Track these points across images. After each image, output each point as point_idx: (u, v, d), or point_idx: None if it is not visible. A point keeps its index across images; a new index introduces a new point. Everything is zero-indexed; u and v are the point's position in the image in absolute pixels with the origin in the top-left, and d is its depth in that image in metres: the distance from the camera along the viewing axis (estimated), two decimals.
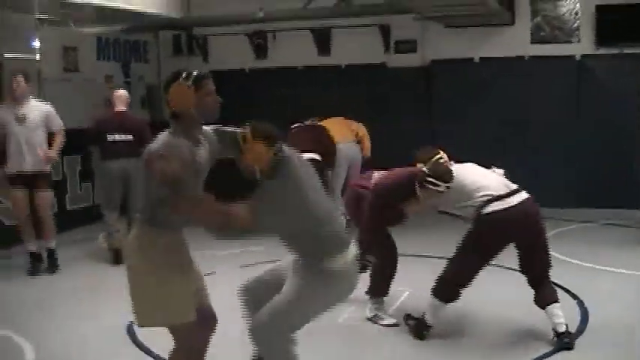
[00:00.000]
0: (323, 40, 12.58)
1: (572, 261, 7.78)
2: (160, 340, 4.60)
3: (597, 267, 7.86)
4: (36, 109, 8.24)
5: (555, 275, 5.84)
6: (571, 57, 11.26)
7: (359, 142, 10.21)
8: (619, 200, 10.53)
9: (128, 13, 10.32)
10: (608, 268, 7.76)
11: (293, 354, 4.20)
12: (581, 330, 5.88)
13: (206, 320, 4.19)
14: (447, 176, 5.61)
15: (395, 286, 6.42)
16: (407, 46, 12.09)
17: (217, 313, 4.32)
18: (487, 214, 5.53)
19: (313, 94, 11.38)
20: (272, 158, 4.06)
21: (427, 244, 8.63)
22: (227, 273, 7.34)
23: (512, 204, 5.53)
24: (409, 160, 6.01)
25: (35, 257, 8.39)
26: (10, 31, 9.71)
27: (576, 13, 11.25)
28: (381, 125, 11.22)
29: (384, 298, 6.36)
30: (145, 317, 4.06)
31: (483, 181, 5.69)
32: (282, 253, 4.48)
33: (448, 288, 5.74)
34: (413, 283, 6.98)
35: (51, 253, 8.46)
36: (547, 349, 5.51)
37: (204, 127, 4.12)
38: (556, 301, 5.61)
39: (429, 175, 5.62)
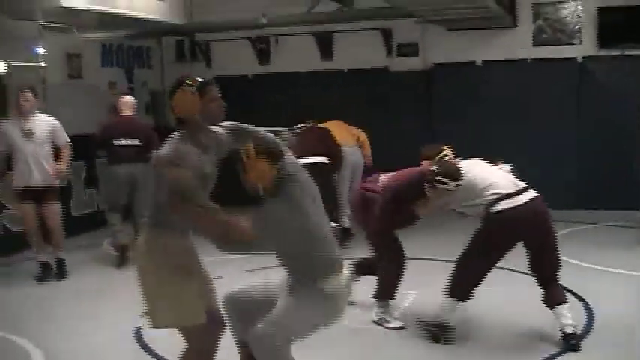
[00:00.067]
0: (325, 45, 12.63)
1: (574, 262, 7.79)
2: (169, 343, 4.63)
3: (599, 268, 7.89)
4: (43, 124, 8.19)
5: (560, 276, 5.85)
6: (573, 59, 11.30)
7: (360, 147, 10.23)
8: (620, 201, 10.55)
9: (131, 20, 10.36)
10: (609, 269, 7.79)
11: None
12: (586, 331, 5.89)
13: (215, 322, 4.22)
14: (456, 174, 5.62)
15: (401, 289, 6.42)
16: (409, 50, 12.15)
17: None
18: (496, 212, 5.55)
19: (316, 99, 11.40)
20: (275, 176, 4.07)
21: (433, 246, 8.65)
22: (233, 277, 7.36)
23: (521, 202, 5.54)
24: (413, 163, 6.04)
25: (45, 266, 8.41)
26: (14, 39, 9.75)
27: (578, 16, 11.28)
28: (384, 129, 11.27)
29: (390, 301, 6.37)
30: (156, 318, 4.12)
31: (492, 178, 5.69)
32: None
33: (460, 287, 5.74)
34: (419, 286, 7.01)
35: (60, 262, 8.48)
36: (553, 350, 5.52)
37: (224, 125, 4.16)
38: (564, 301, 5.62)
39: (439, 175, 5.63)
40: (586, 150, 11.20)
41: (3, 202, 9.31)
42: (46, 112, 8.47)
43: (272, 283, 4.40)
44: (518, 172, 5.88)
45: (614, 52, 11.01)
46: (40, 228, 8.32)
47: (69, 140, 8.39)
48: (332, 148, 9.27)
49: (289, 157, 4.20)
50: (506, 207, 5.52)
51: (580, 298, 6.65)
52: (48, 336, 6.40)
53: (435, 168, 5.72)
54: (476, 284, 5.73)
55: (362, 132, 10.31)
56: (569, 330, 5.52)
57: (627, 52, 10.94)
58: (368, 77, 12.27)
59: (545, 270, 5.70)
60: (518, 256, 5.80)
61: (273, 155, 4.08)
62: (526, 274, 6.04)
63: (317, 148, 8.98)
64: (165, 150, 3.94)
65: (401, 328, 6.22)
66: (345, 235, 9.26)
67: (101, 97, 11.48)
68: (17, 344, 6.21)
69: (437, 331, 5.80)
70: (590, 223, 10.24)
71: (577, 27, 11.30)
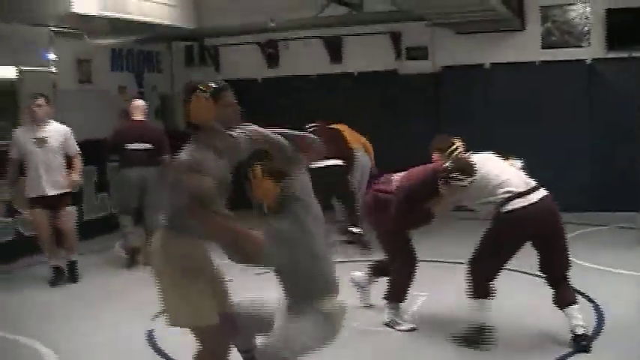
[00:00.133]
0: (335, 49, 12.66)
1: (586, 264, 7.79)
2: (181, 345, 4.67)
3: (610, 269, 7.88)
4: (56, 132, 8.24)
5: (570, 278, 5.86)
6: (581, 61, 11.30)
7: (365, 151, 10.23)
8: (631, 203, 10.52)
9: (141, 25, 10.41)
10: (621, 271, 7.79)
11: None
12: (596, 332, 5.90)
13: (229, 324, 4.26)
14: (470, 170, 5.63)
15: (411, 291, 6.43)
16: (418, 53, 12.17)
17: None
18: (507, 212, 5.57)
19: (326, 102, 11.44)
20: (279, 194, 4.08)
21: (441, 248, 8.67)
22: (244, 280, 7.39)
23: (532, 201, 5.56)
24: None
25: (57, 270, 8.44)
26: (25, 45, 9.81)
27: (586, 18, 11.28)
28: (393, 132, 11.30)
29: (402, 304, 6.37)
30: (172, 317, 4.17)
31: (505, 175, 5.69)
32: None
33: (479, 286, 5.73)
34: (429, 288, 7.03)
35: (72, 265, 8.51)
36: (564, 351, 5.52)
37: (244, 128, 4.18)
38: (575, 302, 5.63)
39: (452, 171, 5.64)
40: (597, 152, 11.20)
41: (15, 207, 9.36)
42: (57, 117, 8.49)
43: (269, 301, 4.41)
44: (530, 174, 5.88)
45: (623, 54, 11.01)
46: (52, 234, 8.34)
47: (78, 149, 8.44)
48: (344, 151, 9.31)
49: (300, 173, 4.20)
50: (517, 206, 5.54)
51: (591, 300, 6.65)
52: (60, 338, 6.43)
53: (448, 164, 5.73)
54: (491, 280, 5.73)
55: (366, 140, 10.29)
56: (580, 331, 5.52)
57: (635, 54, 10.93)
58: (377, 80, 12.29)
59: (555, 270, 5.71)
60: (528, 258, 5.82)
61: (277, 175, 4.09)
62: (536, 275, 6.05)
63: (329, 150, 9.01)
64: (184, 156, 3.98)
65: (412, 330, 6.23)
66: (357, 238, 9.23)
67: (111, 102, 11.53)
68: (30, 347, 6.26)
69: (478, 336, 5.73)
70: (602, 225, 10.22)
71: (585, 29, 11.30)
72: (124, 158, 9.06)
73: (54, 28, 9.99)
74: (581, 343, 5.50)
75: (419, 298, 6.87)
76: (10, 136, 8.37)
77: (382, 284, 6.54)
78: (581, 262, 7.56)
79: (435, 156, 6.19)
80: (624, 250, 8.80)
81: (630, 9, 10.79)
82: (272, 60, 13.09)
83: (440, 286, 7.30)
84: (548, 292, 5.76)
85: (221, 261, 4.29)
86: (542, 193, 5.67)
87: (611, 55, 11.11)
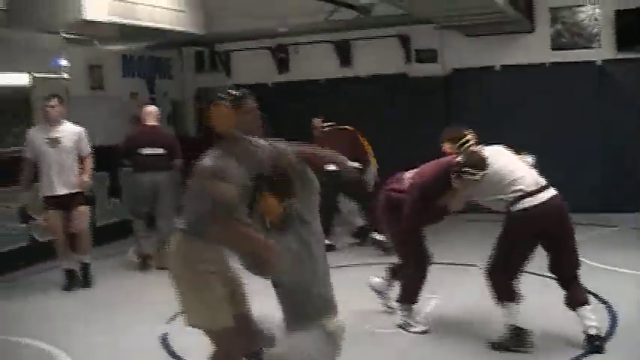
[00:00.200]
0: (344, 53, 12.68)
1: (597, 264, 7.79)
2: (196, 349, 4.70)
3: (621, 270, 7.87)
4: (69, 132, 8.33)
5: (582, 279, 5.86)
6: (591, 62, 11.29)
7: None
8: None
9: (152, 31, 10.45)
10: (633, 272, 7.77)
11: None
12: (609, 333, 5.89)
13: (245, 326, 4.29)
14: (482, 164, 5.65)
15: (423, 293, 6.44)
16: (427, 56, 12.17)
17: None
18: (517, 211, 5.59)
19: (336, 106, 11.46)
20: (282, 213, 4.10)
21: (452, 250, 8.68)
22: (257, 283, 7.43)
23: (542, 200, 5.57)
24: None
25: (70, 273, 8.50)
26: (37, 52, 9.87)
27: (595, 19, 11.27)
28: (403, 135, 11.32)
29: (414, 306, 6.38)
30: (189, 318, 4.21)
31: (518, 173, 5.70)
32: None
33: (503, 290, 5.71)
34: (441, 291, 7.05)
35: (85, 268, 8.56)
36: (577, 352, 5.53)
37: (273, 143, 4.23)
38: (587, 303, 5.62)
39: (465, 165, 5.66)
40: (607, 153, 11.17)
41: (30, 213, 9.42)
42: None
43: (268, 317, 4.45)
44: (540, 173, 5.89)
45: (633, 54, 10.99)
46: (66, 235, 8.40)
47: (90, 150, 8.50)
48: (361, 154, 9.33)
49: (313, 197, 4.24)
50: (527, 205, 5.55)
51: (603, 301, 6.66)
52: (75, 342, 6.50)
53: (460, 159, 5.75)
54: (514, 281, 5.72)
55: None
56: (593, 331, 5.52)
57: None
58: (387, 84, 12.31)
59: (565, 270, 5.72)
60: (538, 259, 5.82)
61: (283, 193, 4.11)
62: (545, 276, 6.05)
63: (345, 151, 9.02)
64: (207, 162, 4.00)
65: (425, 332, 6.25)
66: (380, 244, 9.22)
67: (123, 107, 11.59)
68: (45, 351, 6.32)
69: (516, 339, 5.69)
70: (612, 226, 10.21)
71: (595, 30, 11.28)
72: (136, 163, 9.16)
73: (65, 35, 10.03)
74: (595, 343, 5.49)
75: (431, 301, 6.87)
76: (24, 143, 8.44)
77: (396, 287, 6.58)
78: (592, 264, 7.56)
79: (446, 147, 6.21)
80: (635, 251, 8.78)
81: (639, 9, 10.77)
82: (282, 65, 13.13)
83: (452, 288, 7.32)
84: (558, 293, 5.76)
85: (238, 265, 4.31)
86: (551, 192, 5.68)
87: (621, 55, 11.09)
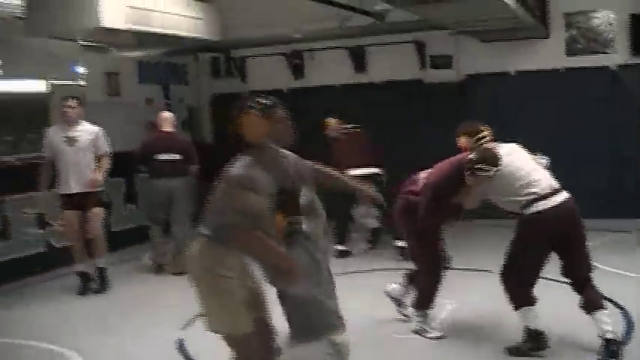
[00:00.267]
0: (359, 58, 12.70)
1: (609, 269, 7.77)
2: (212, 354, 4.72)
3: (633, 275, 7.85)
4: (86, 131, 8.44)
5: (595, 284, 5.84)
6: (606, 67, 11.27)
7: None
8: None
9: (168, 38, 10.51)
10: None
11: None
12: (626, 338, 5.89)
13: (265, 332, 4.31)
14: (494, 160, 5.67)
15: (439, 299, 6.45)
16: (442, 62, 12.15)
17: None
18: (531, 213, 5.60)
19: (351, 112, 11.47)
20: (285, 227, 4.10)
21: (467, 255, 8.65)
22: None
23: (555, 203, 5.59)
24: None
25: (85, 277, 8.57)
26: (55, 59, 9.95)
27: (610, 24, 11.25)
28: (418, 141, 11.31)
29: (429, 311, 6.39)
30: (210, 323, 4.23)
31: (533, 176, 5.71)
32: None
33: (518, 295, 5.72)
34: (457, 296, 7.05)
35: (101, 272, 8.63)
36: (593, 357, 5.52)
37: (303, 161, 4.29)
38: (603, 307, 5.61)
39: (477, 162, 5.68)
40: (622, 157, 11.14)
41: (47, 219, 9.52)
42: None
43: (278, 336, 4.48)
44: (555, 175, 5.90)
45: None
46: (82, 237, 8.47)
47: (108, 150, 8.57)
48: (380, 159, 9.36)
49: (319, 222, 4.25)
50: (540, 208, 5.57)
51: (618, 305, 6.65)
52: (92, 347, 6.55)
53: (472, 155, 5.77)
54: (531, 285, 5.72)
55: None
56: (609, 336, 5.51)
57: None
58: (402, 89, 12.32)
59: (578, 274, 5.72)
60: (550, 264, 5.82)
61: (287, 210, 4.10)
62: (557, 280, 6.05)
63: (367, 157, 9.08)
64: (237, 171, 4.00)
65: (441, 338, 6.25)
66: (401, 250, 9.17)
67: (139, 113, 11.66)
68: (63, 355, 6.39)
69: (534, 343, 5.71)
70: (626, 231, 10.18)
71: (610, 35, 11.26)
72: (152, 169, 9.24)
73: (82, 43, 10.11)
74: (611, 348, 5.48)
75: (447, 306, 6.87)
76: (41, 148, 8.59)
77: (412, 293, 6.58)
78: (605, 268, 7.55)
79: (462, 141, 6.22)
80: None
81: None
82: (297, 70, 13.16)
83: (468, 293, 7.32)
84: (572, 298, 5.75)
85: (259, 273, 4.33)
86: (564, 195, 5.69)
87: (636, 60, 11.06)
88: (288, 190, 4.14)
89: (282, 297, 4.17)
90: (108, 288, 8.58)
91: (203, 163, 9.59)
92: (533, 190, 5.63)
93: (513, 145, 6.04)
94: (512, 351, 5.76)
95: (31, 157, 9.34)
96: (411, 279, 6.60)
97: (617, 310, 6.54)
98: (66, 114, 8.37)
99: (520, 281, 5.71)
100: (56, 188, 8.45)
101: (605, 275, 7.12)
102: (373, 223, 9.99)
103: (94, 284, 8.59)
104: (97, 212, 8.57)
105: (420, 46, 12.21)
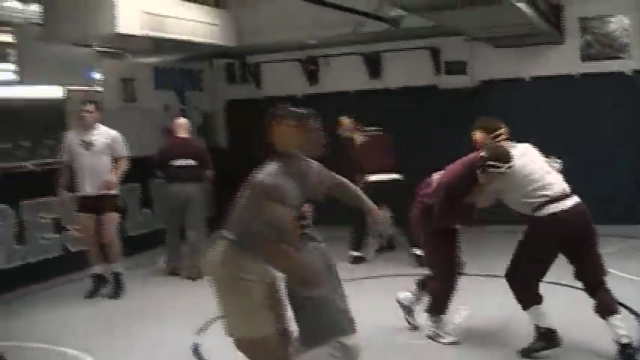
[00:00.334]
0: (374, 64, 12.73)
1: (622, 274, 7.73)
2: (227, 359, 4.74)
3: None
4: (103, 135, 8.48)
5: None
6: (621, 73, 11.24)
7: None
8: None
9: (184, 44, 10.57)
10: None
11: None
12: None
13: (283, 337, 4.31)
14: (506, 157, 5.69)
15: (453, 304, 6.43)
16: (457, 68, 12.15)
17: None
18: (542, 216, 5.61)
19: (365, 118, 11.49)
20: (300, 232, 4.13)
21: (480, 261, 8.64)
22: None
23: (566, 207, 5.61)
24: None
25: (99, 279, 8.62)
26: (71, 65, 10.03)
27: (625, 29, 11.23)
28: (433, 147, 11.30)
29: (443, 316, 6.38)
30: (229, 326, 4.24)
31: (547, 179, 5.73)
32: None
33: (525, 295, 5.74)
34: (471, 301, 7.05)
35: (116, 277, 8.66)
36: None
37: (326, 171, 4.30)
38: (617, 312, 5.61)
39: (489, 158, 5.70)
40: (637, 163, 11.11)
41: (63, 224, 9.59)
42: None
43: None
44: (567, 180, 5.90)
45: None
46: (97, 240, 8.51)
47: (126, 153, 8.62)
48: (397, 161, 9.36)
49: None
50: (551, 211, 5.59)
51: (632, 311, 6.63)
52: (107, 351, 6.59)
53: (484, 153, 5.79)
54: (537, 285, 5.74)
55: None
56: (625, 340, 5.50)
57: None
58: (417, 95, 12.33)
59: (590, 277, 5.72)
60: (563, 271, 5.82)
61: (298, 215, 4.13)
62: (569, 286, 6.03)
63: (389, 162, 9.06)
64: (265, 179, 3.98)
65: (455, 343, 6.24)
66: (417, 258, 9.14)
67: (155, 119, 11.72)
68: (78, 358, 6.42)
69: (545, 340, 5.73)
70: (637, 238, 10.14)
71: (625, 41, 11.24)
72: (168, 175, 9.32)
73: (99, 49, 10.19)
74: (627, 352, 5.47)
75: (461, 311, 6.87)
76: (58, 153, 8.69)
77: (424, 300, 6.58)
78: (619, 274, 7.51)
79: (478, 135, 6.23)
80: None
81: None
82: (312, 76, 13.19)
83: (482, 299, 7.32)
84: (586, 303, 5.75)
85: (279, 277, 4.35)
86: (575, 199, 5.71)
87: None
88: (311, 200, 4.17)
89: (294, 298, 4.18)
90: (123, 293, 8.61)
91: (218, 168, 9.66)
92: (546, 192, 5.65)
93: (527, 145, 6.07)
94: (525, 352, 5.77)
95: (48, 162, 9.43)
96: (424, 285, 6.59)
97: (632, 317, 6.51)
98: (83, 118, 8.43)
99: (525, 281, 5.74)
100: (73, 192, 8.50)
101: (620, 281, 7.09)
102: (389, 229, 9.96)
103: (106, 288, 8.64)
104: (112, 216, 8.61)
105: (435, 52, 12.23)
